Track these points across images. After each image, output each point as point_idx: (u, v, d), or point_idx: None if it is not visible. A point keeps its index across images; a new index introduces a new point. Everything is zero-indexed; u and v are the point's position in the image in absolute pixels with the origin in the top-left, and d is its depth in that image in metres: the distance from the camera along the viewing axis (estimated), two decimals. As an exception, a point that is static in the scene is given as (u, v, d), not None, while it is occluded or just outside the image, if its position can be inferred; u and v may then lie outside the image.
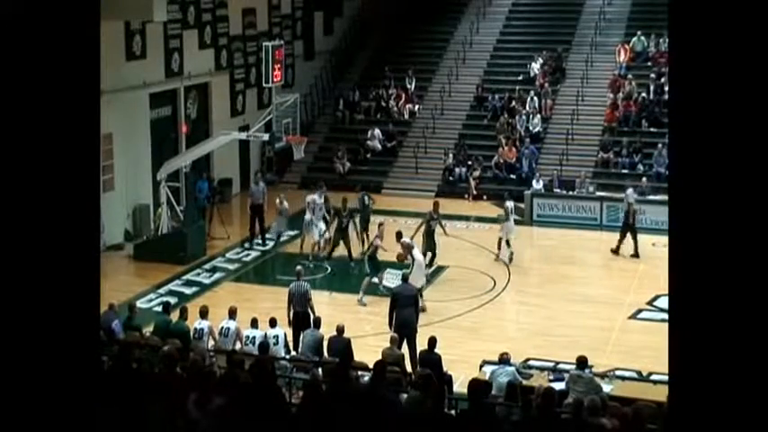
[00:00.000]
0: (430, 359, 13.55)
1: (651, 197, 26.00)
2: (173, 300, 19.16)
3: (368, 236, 22.69)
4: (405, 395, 10.67)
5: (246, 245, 24.55)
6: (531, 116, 31.20)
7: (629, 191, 24.24)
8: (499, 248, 22.92)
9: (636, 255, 23.18)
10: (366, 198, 24.22)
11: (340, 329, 14.71)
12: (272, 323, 15.12)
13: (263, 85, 25.50)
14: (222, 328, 14.99)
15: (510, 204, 23.45)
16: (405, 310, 16.01)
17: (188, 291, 21.07)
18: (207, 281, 21.91)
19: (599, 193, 26.76)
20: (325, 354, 14.46)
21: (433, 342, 13.89)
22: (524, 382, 12.78)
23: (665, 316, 18.79)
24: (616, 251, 23.53)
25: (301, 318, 16.14)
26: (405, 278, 17.35)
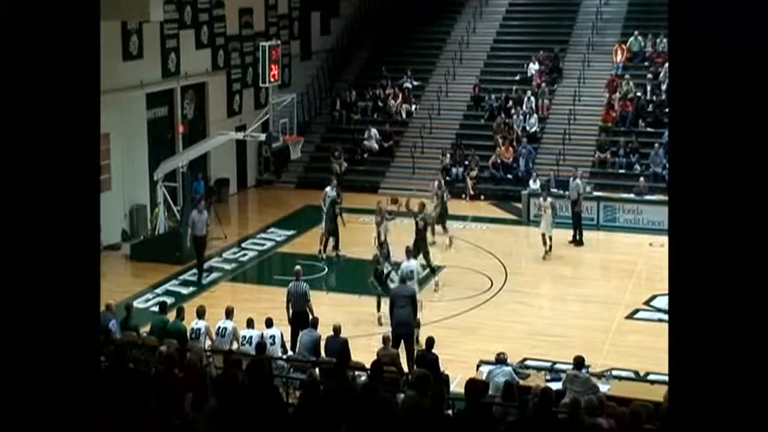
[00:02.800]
0: (427, 359, 13.54)
1: (648, 197, 26.03)
2: (170, 300, 19.15)
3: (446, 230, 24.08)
4: (401, 395, 10.66)
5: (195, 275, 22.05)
6: (527, 116, 31.21)
7: (578, 180, 24.99)
8: (547, 245, 23.18)
9: (573, 241, 24.31)
10: (445, 195, 24.69)
11: (337, 329, 14.71)
12: (269, 323, 15.12)
13: (260, 85, 25.49)
14: (219, 327, 14.99)
15: (552, 200, 23.55)
16: (402, 310, 16.08)
17: (185, 291, 21.07)
18: (204, 281, 21.89)
19: (596, 194, 26.73)
20: (323, 354, 14.46)
21: (430, 342, 13.89)
22: (521, 382, 12.77)
23: (663, 316, 18.93)
24: (580, 242, 24.38)
25: (300, 318, 16.14)
26: (402, 279, 17.39)
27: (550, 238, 23.03)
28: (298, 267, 17.76)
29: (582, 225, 24.58)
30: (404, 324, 15.90)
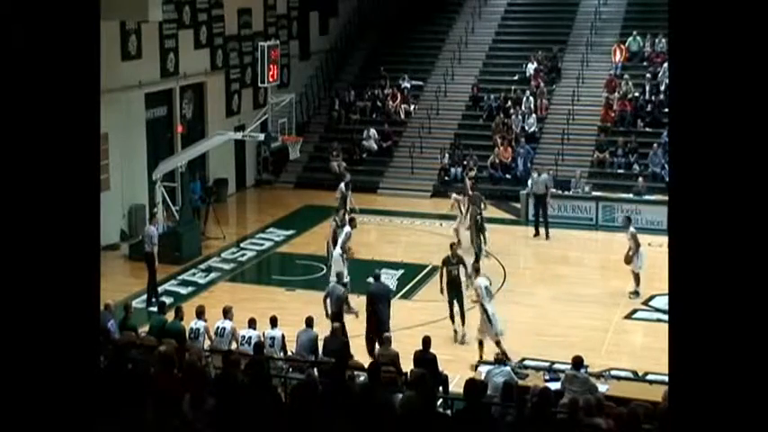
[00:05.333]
0: (425, 359, 13.54)
1: (647, 197, 26.04)
2: (168, 300, 19.12)
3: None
4: (400, 395, 10.65)
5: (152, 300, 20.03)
6: (526, 116, 31.22)
7: (545, 175, 25.58)
8: (638, 283, 20.31)
9: (547, 237, 24.94)
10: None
11: (335, 329, 14.70)
12: (273, 322, 15.05)
13: (259, 84, 25.50)
14: (218, 328, 14.97)
15: (633, 230, 20.67)
16: (383, 310, 16.25)
17: (183, 291, 21.07)
18: (202, 281, 21.91)
19: (594, 193, 26.78)
20: (321, 354, 14.45)
21: (427, 342, 13.88)
22: (520, 382, 12.77)
23: (661, 316, 18.90)
24: (537, 233, 25.10)
25: (335, 318, 16.29)
26: (377, 277, 17.45)
27: (637, 277, 20.34)
28: (338, 270, 17.74)
29: (548, 222, 25.11)
30: (384, 323, 15.96)
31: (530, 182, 26.19)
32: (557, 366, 14.52)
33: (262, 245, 24.84)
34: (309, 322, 15.12)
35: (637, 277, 20.27)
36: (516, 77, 33.25)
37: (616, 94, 31.13)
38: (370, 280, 17.90)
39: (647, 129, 30.02)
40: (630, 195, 26.47)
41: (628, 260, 20.39)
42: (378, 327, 15.95)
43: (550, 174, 26.57)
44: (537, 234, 25.21)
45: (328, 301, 16.92)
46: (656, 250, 21.43)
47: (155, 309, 18.25)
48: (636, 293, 20.18)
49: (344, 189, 24.22)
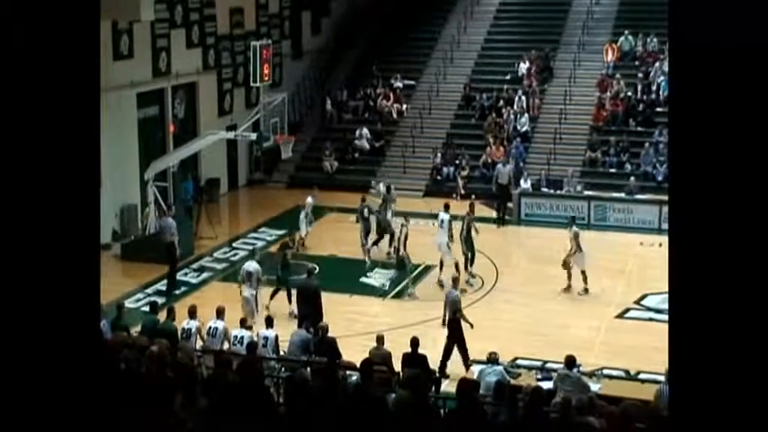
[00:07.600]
0: (416, 359, 13.52)
1: (639, 196, 26.09)
2: (160, 299, 19.09)
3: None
4: (393, 395, 10.65)
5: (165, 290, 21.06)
6: (518, 115, 31.24)
7: (509, 166, 27.23)
8: (570, 279, 20.56)
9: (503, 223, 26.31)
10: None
11: (325, 329, 14.65)
12: (269, 323, 15.00)
13: (251, 84, 25.48)
14: (210, 327, 14.93)
15: (576, 229, 20.75)
16: (309, 305, 16.38)
17: (176, 290, 21.01)
18: (194, 280, 21.88)
19: (587, 193, 26.82)
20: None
21: (415, 342, 13.84)
22: (512, 382, 12.78)
23: (653, 315, 18.93)
24: (501, 223, 26.25)
25: (451, 325, 16.31)
26: (309, 272, 17.46)
27: (583, 273, 20.50)
28: (455, 274, 17.62)
29: (506, 212, 26.37)
30: (311, 317, 16.09)
31: (494, 172, 27.29)
32: (549, 366, 14.53)
33: (254, 244, 24.78)
34: (301, 323, 15.11)
35: (583, 274, 20.38)
36: (508, 77, 33.29)
37: (608, 93, 31.19)
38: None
39: (639, 128, 30.09)
40: (622, 195, 26.55)
41: (565, 265, 20.47)
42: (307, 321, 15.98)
43: (545, 173, 27.30)
44: (501, 224, 26.09)
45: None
46: (648, 249, 21.50)
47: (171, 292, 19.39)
48: (585, 291, 20.39)
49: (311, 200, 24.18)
